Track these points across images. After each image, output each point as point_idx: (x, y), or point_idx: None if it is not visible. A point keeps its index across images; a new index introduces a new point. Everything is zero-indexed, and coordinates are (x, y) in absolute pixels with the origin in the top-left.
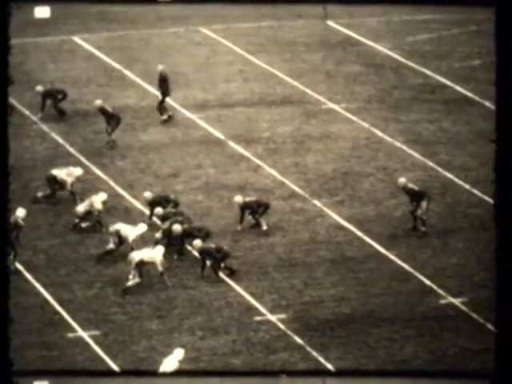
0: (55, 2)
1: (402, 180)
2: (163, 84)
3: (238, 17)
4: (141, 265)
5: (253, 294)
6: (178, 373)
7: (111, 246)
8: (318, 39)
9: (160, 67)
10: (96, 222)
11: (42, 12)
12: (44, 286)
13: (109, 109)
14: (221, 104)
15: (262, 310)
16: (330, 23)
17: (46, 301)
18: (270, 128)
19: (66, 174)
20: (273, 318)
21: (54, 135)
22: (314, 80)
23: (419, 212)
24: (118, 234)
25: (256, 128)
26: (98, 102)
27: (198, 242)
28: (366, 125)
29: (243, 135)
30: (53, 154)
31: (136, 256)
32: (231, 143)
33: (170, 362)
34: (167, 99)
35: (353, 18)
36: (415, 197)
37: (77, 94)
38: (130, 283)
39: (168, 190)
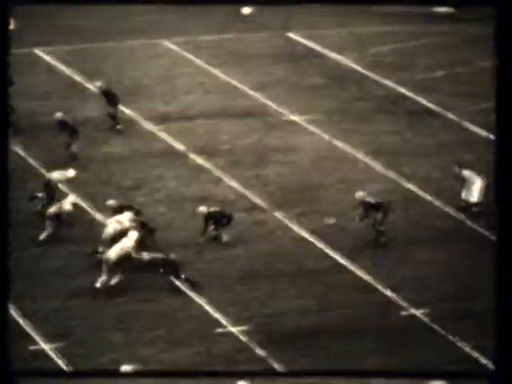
0: (57, 2)
1: (360, 194)
2: (110, 97)
3: (200, 29)
4: (119, 262)
5: (215, 306)
6: (141, 374)
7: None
8: (279, 51)
9: (98, 84)
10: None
11: None
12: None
13: (69, 121)
14: (182, 116)
15: (224, 321)
16: (292, 35)
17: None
18: (231, 140)
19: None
20: (234, 329)
21: (15, 148)
22: (276, 92)
23: (376, 224)
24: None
25: (217, 140)
26: (59, 115)
27: (145, 254)
28: (327, 137)
29: (204, 147)
30: (13, 168)
31: (111, 254)
32: (192, 155)
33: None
34: (125, 110)
35: (315, 30)
36: (370, 210)
37: (38, 106)
38: (98, 284)
39: (130, 202)
